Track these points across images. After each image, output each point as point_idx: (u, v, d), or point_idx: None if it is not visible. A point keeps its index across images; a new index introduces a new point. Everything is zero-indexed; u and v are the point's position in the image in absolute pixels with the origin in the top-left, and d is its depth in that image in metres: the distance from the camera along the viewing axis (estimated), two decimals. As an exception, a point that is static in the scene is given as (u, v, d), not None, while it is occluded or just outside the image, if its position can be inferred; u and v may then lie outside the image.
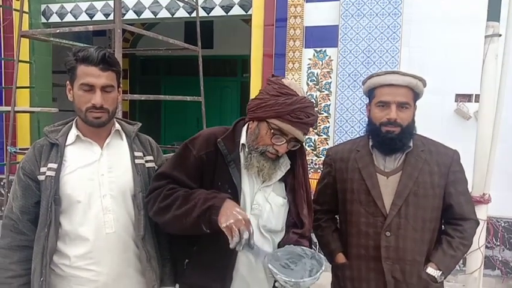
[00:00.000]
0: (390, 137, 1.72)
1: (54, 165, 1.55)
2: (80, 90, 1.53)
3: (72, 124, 1.66)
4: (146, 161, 1.72)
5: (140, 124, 1.79)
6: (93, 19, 5.43)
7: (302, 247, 1.52)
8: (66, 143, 1.60)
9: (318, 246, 1.91)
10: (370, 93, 1.81)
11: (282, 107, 1.49)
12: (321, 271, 1.41)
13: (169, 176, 1.58)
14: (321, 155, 4.42)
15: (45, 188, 1.54)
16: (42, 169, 1.56)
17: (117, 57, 2.98)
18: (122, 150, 1.67)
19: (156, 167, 1.76)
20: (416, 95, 1.78)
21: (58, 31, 3.34)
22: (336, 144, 4.24)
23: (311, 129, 4.52)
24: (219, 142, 1.58)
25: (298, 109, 1.49)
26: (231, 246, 1.39)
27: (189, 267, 1.62)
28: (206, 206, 1.44)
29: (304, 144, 1.64)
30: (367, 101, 1.87)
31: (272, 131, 1.51)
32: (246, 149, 1.58)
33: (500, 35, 2.30)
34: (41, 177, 1.56)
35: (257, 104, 1.55)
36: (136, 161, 1.67)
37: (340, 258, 1.86)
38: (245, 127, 1.63)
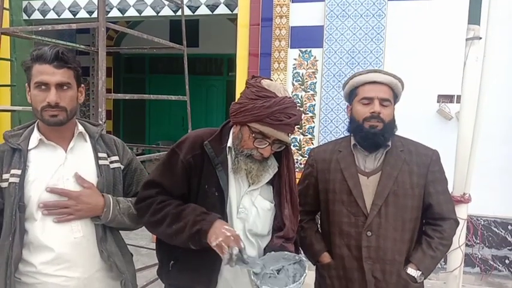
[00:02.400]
0: (373, 132, 1.75)
1: (18, 171, 1.50)
2: (35, 90, 1.49)
3: (33, 127, 1.61)
4: (111, 162, 1.68)
5: (105, 125, 1.77)
6: (77, 17, 5.35)
7: (285, 252, 1.52)
8: (29, 147, 1.55)
9: (299, 247, 1.92)
10: (352, 92, 1.84)
11: (260, 110, 1.47)
12: (304, 275, 1.42)
13: (159, 185, 1.57)
14: (306, 155, 4.45)
15: (8, 195, 1.49)
16: (5, 176, 1.50)
17: (101, 55, 2.96)
18: (86, 153, 1.63)
19: (123, 166, 1.73)
20: (395, 96, 1.83)
21: (40, 29, 3.29)
22: (320, 144, 4.28)
23: (296, 128, 4.54)
24: (206, 145, 1.56)
25: (277, 111, 1.46)
26: (224, 263, 1.43)
27: (175, 269, 1.62)
28: (195, 229, 1.45)
29: (290, 144, 1.63)
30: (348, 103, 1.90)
31: (253, 134, 1.50)
32: (233, 152, 1.57)
33: (481, 38, 2.35)
34: (4, 184, 1.50)
35: (237, 108, 1.54)
36: (100, 162, 1.63)
37: (326, 258, 1.88)
38: (231, 130, 1.62)
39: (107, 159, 1.67)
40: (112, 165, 1.68)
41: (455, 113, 3.96)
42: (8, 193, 1.49)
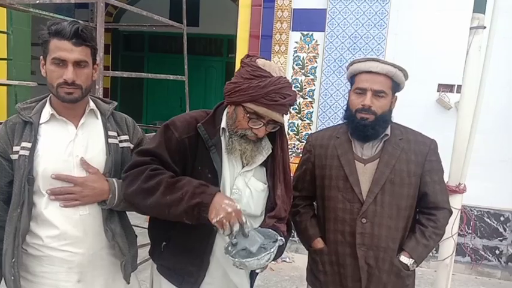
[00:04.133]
0: (363, 124, 1.74)
1: (28, 144, 1.50)
2: (51, 65, 1.48)
3: (46, 101, 1.60)
4: (120, 141, 1.67)
5: (116, 103, 1.74)
6: (75, -10, 5.25)
7: (269, 230, 1.51)
8: (40, 121, 1.55)
9: (291, 229, 1.92)
10: (352, 79, 1.83)
11: (255, 90, 1.45)
12: (267, 252, 1.39)
13: (154, 154, 1.52)
14: (303, 140, 4.44)
15: (18, 168, 1.50)
16: (15, 148, 1.51)
17: (99, 31, 2.91)
18: (96, 130, 1.63)
19: (132, 146, 1.72)
20: (396, 85, 1.78)
21: (38, 2, 3.22)
22: (318, 129, 4.27)
23: (294, 113, 4.50)
24: (199, 127, 1.55)
25: (273, 91, 1.45)
26: (222, 234, 1.40)
27: (167, 250, 1.61)
28: (194, 202, 1.39)
29: (284, 125, 1.62)
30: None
31: (248, 115, 1.49)
32: (227, 133, 1.56)
33: (485, 27, 2.32)
34: (14, 156, 1.51)
35: (232, 88, 1.52)
36: (110, 140, 1.63)
37: (319, 243, 1.88)
38: (225, 111, 1.60)
39: (116, 138, 1.66)
40: (121, 144, 1.68)
41: (454, 103, 3.95)
42: (18, 165, 1.50)
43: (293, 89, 1.55)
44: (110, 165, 1.62)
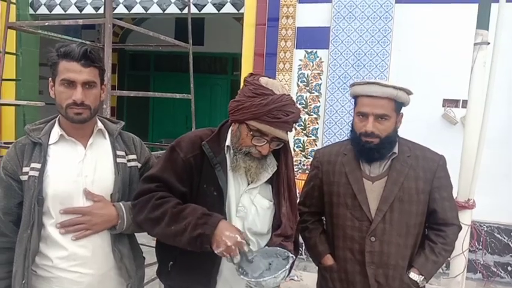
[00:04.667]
0: (369, 147, 1.73)
1: (38, 165, 1.51)
2: (61, 86, 1.50)
3: (54, 122, 1.62)
4: (128, 160, 1.68)
5: (123, 123, 1.75)
6: (83, 12, 5.36)
7: (278, 248, 1.51)
8: (49, 142, 1.56)
9: (304, 248, 1.91)
10: (355, 99, 1.83)
11: (258, 108, 1.46)
12: (283, 270, 1.40)
13: (159, 179, 1.55)
14: (309, 156, 4.44)
15: (28, 189, 1.50)
16: (25, 169, 1.52)
17: (107, 52, 2.95)
18: (104, 150, 1.64)
19: (140, 165, 1.73)
20: (400, 105, 1.76)
21: (47, 24, 3.28)
22: (324, 145, 4.26)
23: (300, 130, 4.50)
24: (204, 145, 1.55)
25: (275, 109, 1.45)
26: (227, 261, 1.44)
27: (174, 270, 1.61)
28: (196, 233, 1.42)
29: (289, 142, 1.62)
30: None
31: (251, 132, 1.49)
32: (231, 151, 1.57)
33: (489, 43, 2.34)
34: (24, 178, 1.51)
35: (235, 106, 1.53)
36: (118, 160, 1.64)
37: (328, 260, 1.86)
38: (230, 129, 1.61)
39: (124, 158, 1.67)
40: (129, 164, 1.68)
41: (460, 118, 3.94)
42: (28, 186, 1.50)
43: (297, 105, 1.55)
44: (118, 185, 1.62)
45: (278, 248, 1.51)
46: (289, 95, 1.52)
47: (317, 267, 1.98)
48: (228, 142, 1.58)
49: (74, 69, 1.49)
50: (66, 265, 1.54)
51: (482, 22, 2.35)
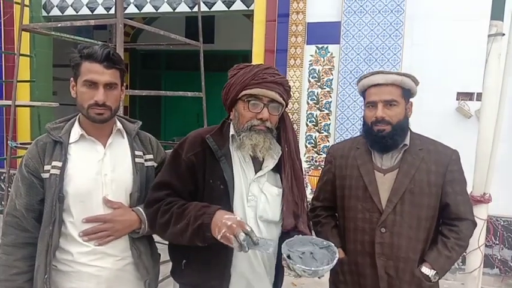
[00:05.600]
0: (381, 135, 1.75)
1: (59, 164, 1.55)
2: (83, 87, 1.54)
3: (74, 121, 1.66)
4: (146, 160, 1.73)
5: (141, 122, 1.80)
6: (94, 13, 5.41)
7: (313, 237, 1.55)
8: (70, 141, 1.60)
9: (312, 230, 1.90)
10: (363, 95, 1.86)
11: (244, 76, 1.56)
12: (336, 258, 1.43)
13: (168, 185, 1.59)
14: (321, 152, 4.42)
15: (49, 186, 1.55)
16: (46, 167, 1.56)
17: (118, 52, 2.97)
18: (123, 149, 1.68)
19: (156, 164, 1.77)
20: (407, 92, 1.78)
21: (59, 25, 3.33)
22: (336, 141, 4.24)
23: (312, 126, 4.47)
24: (208, 138, 1.59)
25: (259, 71, 1.55)
26: (237, 251, 1.44)
27: (188, 267, 1.63)
28: (197, 224, 1.46)
29: (287, 117, 1.68)
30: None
31: (246, 100, 1.55)
32: (236, 137, 1.59)
33: (504, 34, 2.29)
34: (45, 175, 1.56)
35: (225, 91, 1.63)
36: (136, 160, 1.68)
37: (339, 253, 1.86)
38: (231, 118, 1.66)
39: (142, 157, 1.72)
40: (146, 164, 1.73)
41: (474, 111, 3.88)
42: (49, 184, 1.54)
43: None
44: (137, 184, 1.66)
45: (313, 237, 1.55)
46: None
47: None
48: (232, 131, 1.62)
49: (97, 70, 1.52)
50: (86, 259, 1.58)
51: (497, 13, 2.31)
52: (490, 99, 2.33)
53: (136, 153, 1.69)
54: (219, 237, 1.41)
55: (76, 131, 1.62)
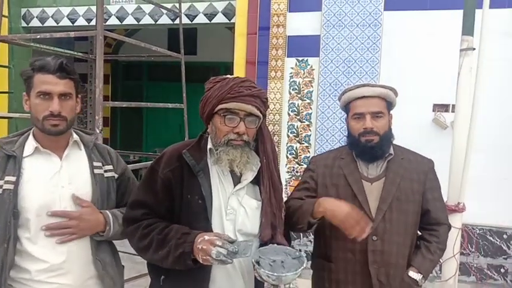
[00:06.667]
0: (370, 146, 1.79)
1: (12, 178, 1.51)
2: (37, 99, 1.52)
3: (28, 135, 1.62)
4: (105, 171, 1.70)
5: (99, 134, 1.79)
6: (75, 24, 5.38)
7: (287, 247, 1.55)
8: (24, 155, 1.56)
9: (295, 220, 1.85)
10: (346, 107, 1.90)
11: (220, 90, 1.54)
12: (302, 267, 1.45)
13: (144, 204, 1.58)
14: (302, 163, 4.46)
15: (2, 202, 1.49)
16: None
17: (98, 63, 2.97)
18: (81, 161, 1.66)
19: (117, 175, 1.75)
20: (389, 104, 1.86)
21: (38, 37, 3.30)
22: (317, 152, 4.30)
23: (293, 137, 4.51)
24: (185, 153, 1.57)
25: (235, 85, 1.53)
26: (221, 265, 1.46)
27: (166, 283, 1.61)
28: (178, 253, 1.46)
29: (265, 128, 1.67)
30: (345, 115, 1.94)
31: (222, 115, 1.54)
32: (214, 153, 1.58)
33: (474, 49, 2.38)
34: None
35: (202, 105, 1.61)
36: (96, 171, 1.66)
37: (320, 201, 1.73)
38: (208, 132, 1.65)
39: (101, 168, 1.69)
40: (106, 174, 1.70)
41: (450, 122, 3.99)
42: (2, 200, 1.49)
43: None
44: (97, 195, 1.64)
45: (288, 247, 1.56)
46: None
47: (311, 272, 1.99)
48: (210, 145, 1.61)
49: (50, 81, 1.51)
50: (44, 277, 1.53)
51: (468, 28, 2.40)
52: (463, 111, 2.41)
53: (95, 164, 1.67)
54: (204, 262, 1.43)
55: (30, 144, 1.58)
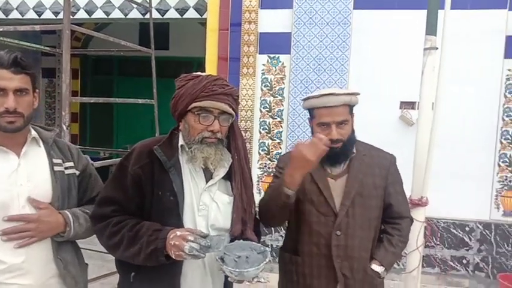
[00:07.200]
0: (334, 152, 1.84)
1: None
2: None
3: None
4: (66, 168, 1.67)
5: (58, 131, 1.73)
6: (42, 17, 5.22)
7: (253, 243, 1.57)
8: None
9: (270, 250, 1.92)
10: (310, 112, 1.92)
11: (193, 88, 1.55)
12: (264, 262, 1.47)
13: (113, 200, 1.57)
14: (274, 159, 4.50)
15: None
16: None
17: (65, 58, 2.91)
18: (40, 158, 1.61)
19: (78, 172, 1.72)
20: (352, 107, 1.90)
21: (1, 29, 3.20)
22: (288, 148, 4.35)
23: (265, 133, 4.53)
24: (156, 149, 1.57)
25: (209, 83, 1.54)
26: (193, 260, 1.47)
27: (136, 280, 1.60)
28: (150, 250, 1.47)
29: (236, 125, 1.69)
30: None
31: (196, 113, 1.55)
32: (186, 148, 1.59)
33: (437, 48, 2.46)
34: None
35: (174, 102, 1.61)
36: (55, 168, 1.62)
37: (286, 175, 1.73)
38: (180, 129, 1.65)
39: (61, 165, 1.65)
40: (67, 171, 1.66)
41: (416, 119, 4.10)
42: None
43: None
44: (57, 193, 1.60)
45: (253, 243, 1.57)
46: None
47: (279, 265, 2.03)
48: (181, 141, 1.61)
49: (5, 76, 1.45)
50: (3, 278, 1.49)
51: (431, 28, 2.47)
52: (426, 108, 2.49)
53: (55, 161, 1.63)
54: (176, 258, 1.44)
55: None
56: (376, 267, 1.86)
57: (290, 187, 1.68)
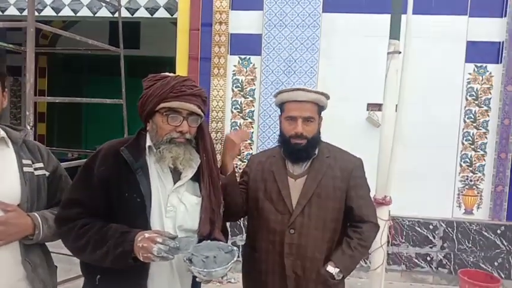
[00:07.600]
0: (298, 149, 1.90)
1: None
2: None
3: None
4: (35, 169, 1.63)
5: (28, 131, 1.70)
6: (5, 13, 5.07)
7: (220, 243, 1.58)
8: None
9: (240, 251, 1.94)
10: (281, 106, 1.98)
11: (161, 89, 1.53)
12: (232, 261, 1.49)
13: (78, 203, 1.54)
14: (245, 160, 4.52)
15: None
16: None
17: (29, 56, 2.83)
18: (8, 159, 1.57)
19: (47, 173, 1.69)
20: (321, 108, 1.96)
21: (-39, 26, 3.09)
22: (259, 149, 4.39)
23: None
24: (123, 150, 1.55)
25: (177, 84, 1.54)
26: (161, 262, 1.46)
27: (102, 282, 1.58)
28: (118, 252, 1.44)
29: (205, 125, 1.69)
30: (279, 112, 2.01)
31: (165, 114, 1.55)
32: (154, 149, 1.58)
33: (400, 52, 2.55)
34: None
35: (141, 102, 1.59)
36: (25, 169, 1.58)
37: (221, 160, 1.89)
38: (147, 129, 1.64)
39: (31, 166, 1.61)
40: (36, 172, 1.62)
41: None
42: None
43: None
44: (27, 195, 1.56)
45: (220, 243, 1.58)
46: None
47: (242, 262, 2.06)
48: (149, 142, 1.60)
49: None
50: None
51: (394, 32, 2.56)
52: (390, 110, 2.57)
53: (24, 162, 1.59)
54: (145, 260, 1.42)
55: None
56: (331, 268, 1.86)
57: (223, 173, 1.83)
